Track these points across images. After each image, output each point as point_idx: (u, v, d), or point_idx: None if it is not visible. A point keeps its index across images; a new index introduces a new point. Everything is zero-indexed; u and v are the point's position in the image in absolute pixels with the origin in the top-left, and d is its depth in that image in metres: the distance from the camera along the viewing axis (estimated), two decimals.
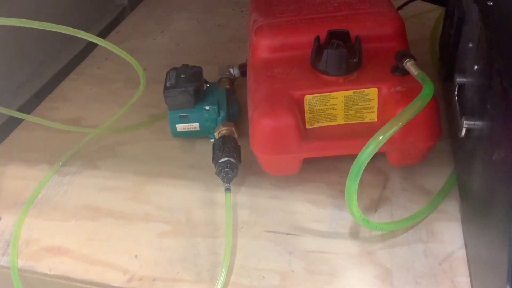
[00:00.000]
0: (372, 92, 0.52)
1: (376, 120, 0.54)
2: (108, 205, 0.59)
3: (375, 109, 0.53)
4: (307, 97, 0.52)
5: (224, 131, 0.60)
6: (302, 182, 0.58)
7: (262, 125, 0.51)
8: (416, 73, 0.49)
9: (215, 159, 0.56)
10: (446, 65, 0.63)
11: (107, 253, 0.53)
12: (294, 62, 0.56)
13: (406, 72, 0.52)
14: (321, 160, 0.59)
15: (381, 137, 0.42)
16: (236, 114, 0.65)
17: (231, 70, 0.73)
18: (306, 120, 0.54)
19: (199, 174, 0.62)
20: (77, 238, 0.55)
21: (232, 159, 0.56)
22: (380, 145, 0.42)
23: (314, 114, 0.53)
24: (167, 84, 0.61)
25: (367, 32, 0.56)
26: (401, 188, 0.56)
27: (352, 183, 0.43)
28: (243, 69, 0.74)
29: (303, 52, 0.56)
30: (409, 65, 0.50)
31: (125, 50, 0.93)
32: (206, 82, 0.70)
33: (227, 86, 0.69)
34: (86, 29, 0.59)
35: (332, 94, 0.52)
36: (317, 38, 0.53)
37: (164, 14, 1.02)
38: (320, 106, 0.53)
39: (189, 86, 0.60)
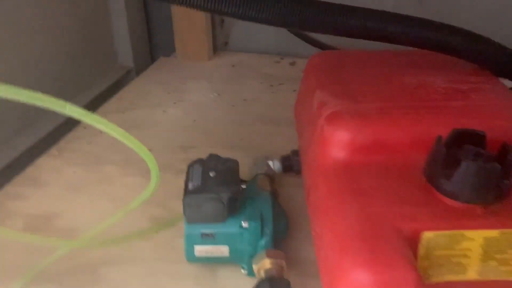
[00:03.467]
0: None
1: None
2: None
3: None
4: (426, 235, 0.32)
5: (269, 267, 0.39)
6: None
7: (361, 281, 0.30)
8: None
9: None
10: None
11: None
12: (392, 170, 0.37)
13: None
14: None
15: None
16: (282, 232, 0.44)
17: (271, 163, 0.54)
18: (419, 270, 0.33)
19: None
20: None
21: None
22: None
23: (432, 261, 0.33)
24: (190, 186, 0.40)
25: (493, 134, 0.38)
26: None
27: None
28: (286, 163, 0.54)
29: (405, 156, 0.37)
30: None
31: (127, 122, 0.76)
32: (241, 180, 0.50)
33: (268, 188, 0.49)
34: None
35: (466, 233, 0.32)
36: (440, 139, 0.34)
37: (178, 81, 0.85)
38: (444, 250, 0.33)
39: (223, 191, 0.39)
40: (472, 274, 0.33)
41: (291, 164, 0.54)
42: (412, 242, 0.32)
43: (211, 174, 0.41)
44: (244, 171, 0.55)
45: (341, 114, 0.40)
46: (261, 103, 0.77)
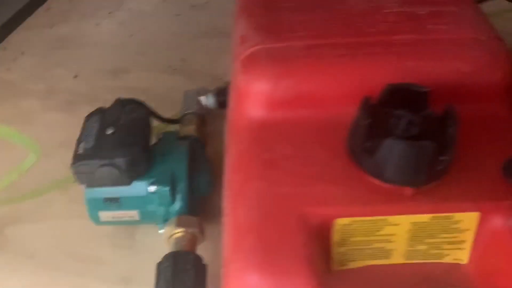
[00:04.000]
0: (467, 219, 0.27)
1: (465, 261, 0.28)
2: None
3: (468, 245, 0.28)
4: (340, 222, 0.27)
5: (179, 235, 0.34)
6: None
7: (251, 284, 0.25)
8: None
9: None
10: None
11: None
12: (317, 135, 0.30)
13: None
14: None
15: None
16: (204, 188, 0.39)
17: (203, 99, 0.47)
18: (334, 256, 0.28)
19: None
20: None
21: None
22: None
23: (350, 247, 0.28)
24: (80, 149, 0.34)
25: (450, 80, 0.30)
26: None
27: None
28: (222, 97, 0.47)
29: (336, 115, 0.30)
30: None
31: (55, 40, 0.66)
32: (162, 118, 0.44)
33: (193, 134, 0.42)
34: None
35: (390, 218, 0.27)
36: (366, 102, 0.27)
37: None
38: (363, 237, 0.27)
39: (119, 155, 0.33)
40: (397, 258, 0.28)
41: (227, 99, 0.46)
42: (325, 228, 0.27)
43: (109, 131, 0.34)
44: (177, 103, 0.48)
45: (259, 57, 0.32)
46: (212, 11, 0.66)
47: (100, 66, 0.58)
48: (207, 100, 0.46)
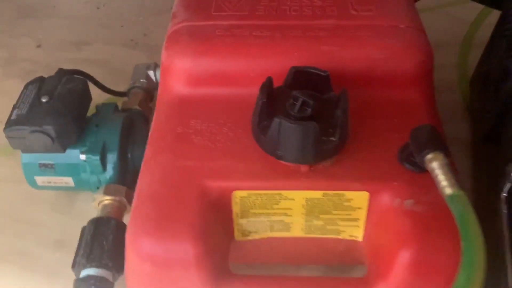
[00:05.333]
0: (358, 198, 0.28)
1: (360, 239, 0.30)
2: None
3: (362, 223, 0.29)
4: (238, 194, 0.28)
5: (106, 203, 0.36)
6: None
7: (141, 248, 0.27)
8: (447, 192, 0.24)
9: (75, 266, 0.33)
10: (487, 119, 0.38)
11: None
12: (231, 112, 0.31)
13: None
14: None
15: None
16: (139, 160, 0.39)
17: (151, 73, 0.47)
18: (235, 227, 0.30)
19: (67, 259, 0.38)
20: None
21: (102, 270, 0.32)
22: None
23: (250, 219, 0.29)
24: (13, 115, 0.35)
25: (363, 65, 0.31)
26: None
27: None
28: None
29: (249, 93, 0.31)
30: (435, 166, 0.25)
31: (21, 8, 0.67)
32: (109, 91, 0.45)
33: (136, 106, 0.43)
34: None
35: (284, 193, 0.28)
36: (268, 83, 0.28)
37: None
38: (261, 209, 0.29)
39: (48, 123, 0.34)
40: (297, 231, 0.30)
41: None
42: (225, 200, 0.28)
43: (44, 99, 0.36)
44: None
45: (180, 35, 0.33)
46: None
47: (64, 37, 0.58)
48: (155, 74, 0.47)
